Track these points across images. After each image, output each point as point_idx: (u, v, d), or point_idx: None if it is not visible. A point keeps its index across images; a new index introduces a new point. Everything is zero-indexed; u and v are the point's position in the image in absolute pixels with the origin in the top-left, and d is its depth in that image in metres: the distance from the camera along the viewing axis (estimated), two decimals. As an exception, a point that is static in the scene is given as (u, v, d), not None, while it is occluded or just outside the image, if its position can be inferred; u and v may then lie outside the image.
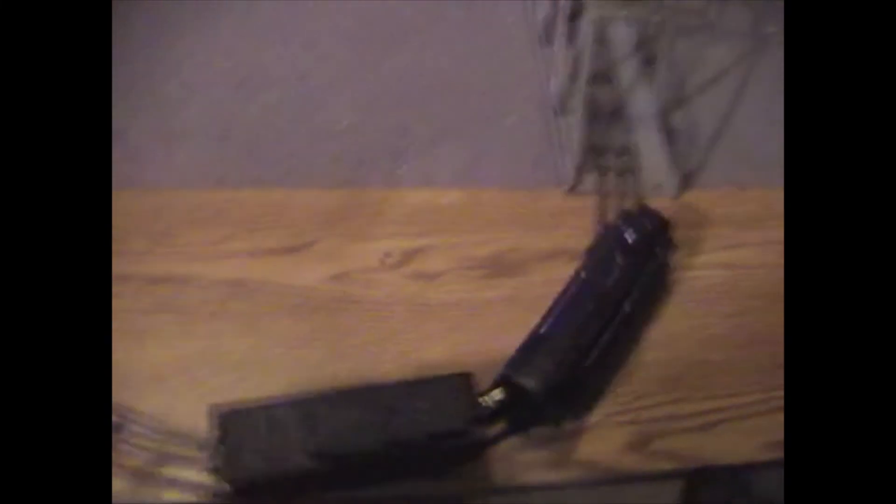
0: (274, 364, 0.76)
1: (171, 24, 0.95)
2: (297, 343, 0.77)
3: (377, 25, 0.98)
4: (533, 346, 0.74)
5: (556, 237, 0.84)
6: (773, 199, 0.91)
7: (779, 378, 0.80)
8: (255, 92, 0.91)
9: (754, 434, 0.77)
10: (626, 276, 0.78)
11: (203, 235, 0.81)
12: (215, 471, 0.67)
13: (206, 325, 0.77)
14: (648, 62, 0.95)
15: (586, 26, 0.82)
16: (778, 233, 0.89)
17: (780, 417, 0.78)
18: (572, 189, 0.87)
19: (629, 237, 0.80)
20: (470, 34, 0.99)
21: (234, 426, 0.67)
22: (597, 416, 0.76)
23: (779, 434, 0.77)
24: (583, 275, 0.78)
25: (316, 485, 0.69)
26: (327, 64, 0.95)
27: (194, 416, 0.71)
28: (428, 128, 0.91)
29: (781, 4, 1.06)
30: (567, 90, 0.90)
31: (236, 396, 0.73)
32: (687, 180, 0.90)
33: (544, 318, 0.75)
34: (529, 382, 0.71)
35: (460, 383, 0.71)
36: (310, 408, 0.68)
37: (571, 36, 0.89)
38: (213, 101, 0.90)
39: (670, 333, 0.81)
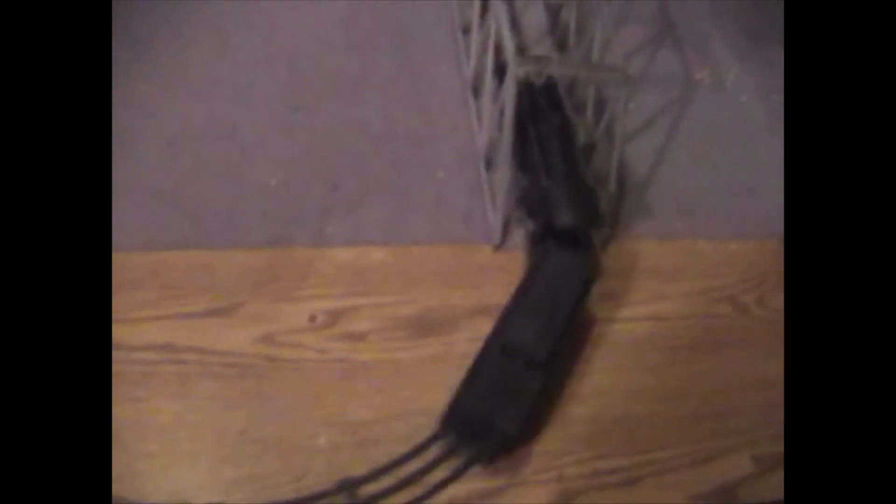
0: (201, 429, 0.76)
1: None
2: (224, 407, 0.77)
3: (308, 77, 0.99)
4: (546, 198, 0.83)
5: (483, 294, 0.85)
6: (698, 249, 0.92)
7: (702, 430, 0.82)
8: (184, 148, 0.91)
9: (677, 487, 0.79)
10: (564, 119, 0.88)
11: (130, 299, 0.81)
12: (484, 456, 0.75)
13: (132, 390, 0.77)
14: (576, 113, 0.96)
15: (509, 83, 0.83)
16: (702, 283, 0.90)
17: (703, 470, 0.80)
18: (499, 246, 0.88)
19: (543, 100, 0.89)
20: (401, 85, 1.00)
21: (467, 410, 0.75)
22: (521, 474, 0.77)
23: (701, 487, 0.79)
24: (532, 132, 0.86)
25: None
26: (258, 118, 0.95)
27: (120, 482, 0.72)
28: (358, 183, 0.91)
29: (711, 51, 1.09)
30: (494, 144, 0.91)
31: (163, 462, 0.74)
32: (613, 231, 0.92)
33: (536, 178, 0.85)
34: (566, 220, 0.82)
35: (561, 245, 0.82)
36: (502, 345, 0.77)
37: (498, 89, 0.90)
38: (141, 158, 0.90)
39: (595, 387, 0.82)
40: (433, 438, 0.76)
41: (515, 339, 0.77)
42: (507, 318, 0.78)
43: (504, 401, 0.74)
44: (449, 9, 1.06)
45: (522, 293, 0.79)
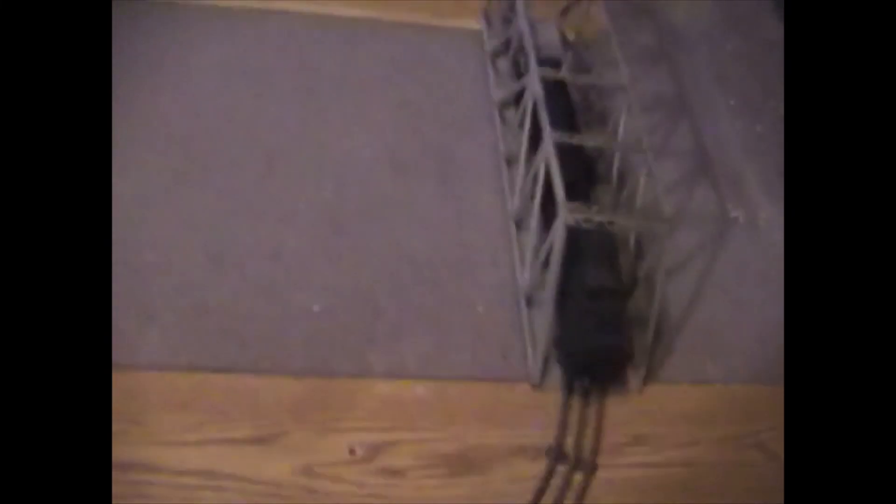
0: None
1: (148, 193, 0.96)
2: (261, 541, 0.78)
3: (354, 201, 1.00)
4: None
5: (520, 433, 0.86)
6: (730, 393, 0.94)
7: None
8: (229, 267, 0.92)
9: None
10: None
11: (174, 421, 0.82)
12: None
13: (173, 517, 0.78)
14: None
15: (559, 228, 0.85)
16: (734, 429, 0.91)
17: None
18: (538, 385, 0.89)
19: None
20: (445, 213, 1.01)
21: (591, 351, 0.88)
22: None
23: None
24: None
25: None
26: (302, 239, 0.96)
27: None
28: (399, 311, 0.92)
29: (745, 189, 1.11)
30: (537, 283, 0.93)
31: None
32: (650, 374, 0.93)
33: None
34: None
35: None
36: (588, 292, 0.89)
37: (544, 228, 0.92)
38: (186, 276, 0.91)
39: (627, 535, 0.83)
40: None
41: (594, 283, 0.89)
42: (577, 272, 0.89)
43: (612, 329, 0.89)
44: (493, 139, 1.08)
45: (573, 248, 0.88)
